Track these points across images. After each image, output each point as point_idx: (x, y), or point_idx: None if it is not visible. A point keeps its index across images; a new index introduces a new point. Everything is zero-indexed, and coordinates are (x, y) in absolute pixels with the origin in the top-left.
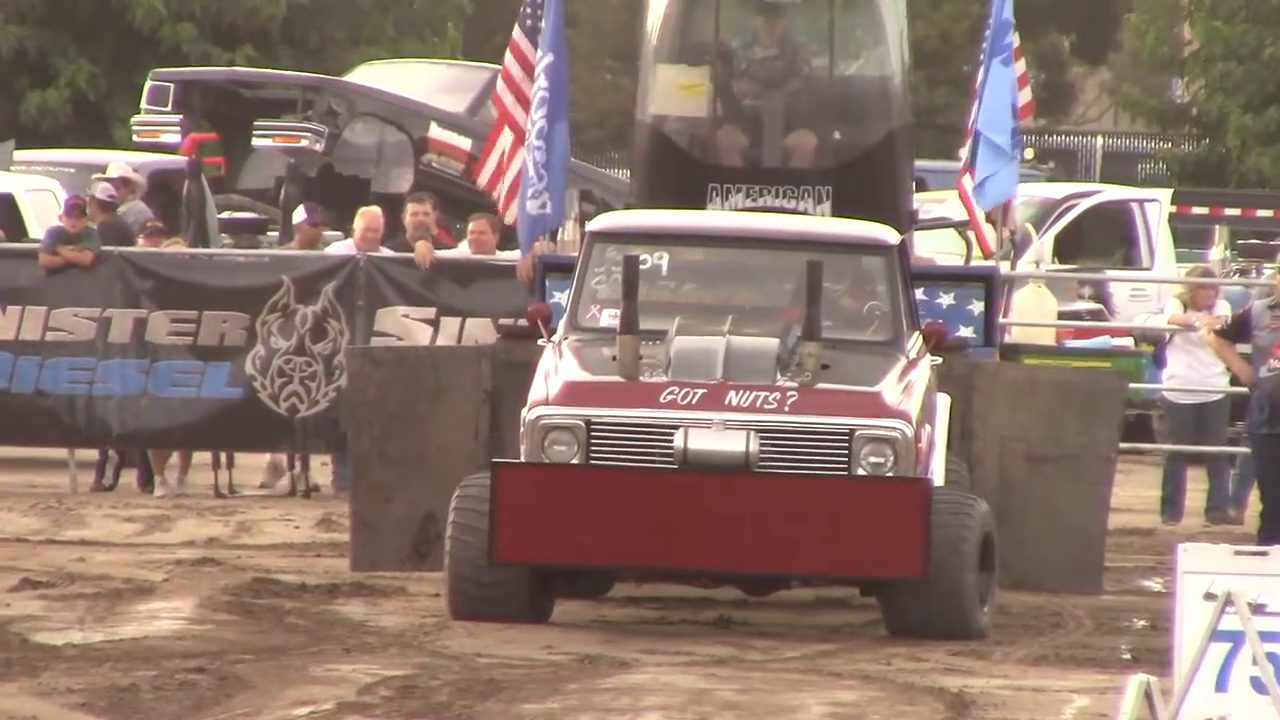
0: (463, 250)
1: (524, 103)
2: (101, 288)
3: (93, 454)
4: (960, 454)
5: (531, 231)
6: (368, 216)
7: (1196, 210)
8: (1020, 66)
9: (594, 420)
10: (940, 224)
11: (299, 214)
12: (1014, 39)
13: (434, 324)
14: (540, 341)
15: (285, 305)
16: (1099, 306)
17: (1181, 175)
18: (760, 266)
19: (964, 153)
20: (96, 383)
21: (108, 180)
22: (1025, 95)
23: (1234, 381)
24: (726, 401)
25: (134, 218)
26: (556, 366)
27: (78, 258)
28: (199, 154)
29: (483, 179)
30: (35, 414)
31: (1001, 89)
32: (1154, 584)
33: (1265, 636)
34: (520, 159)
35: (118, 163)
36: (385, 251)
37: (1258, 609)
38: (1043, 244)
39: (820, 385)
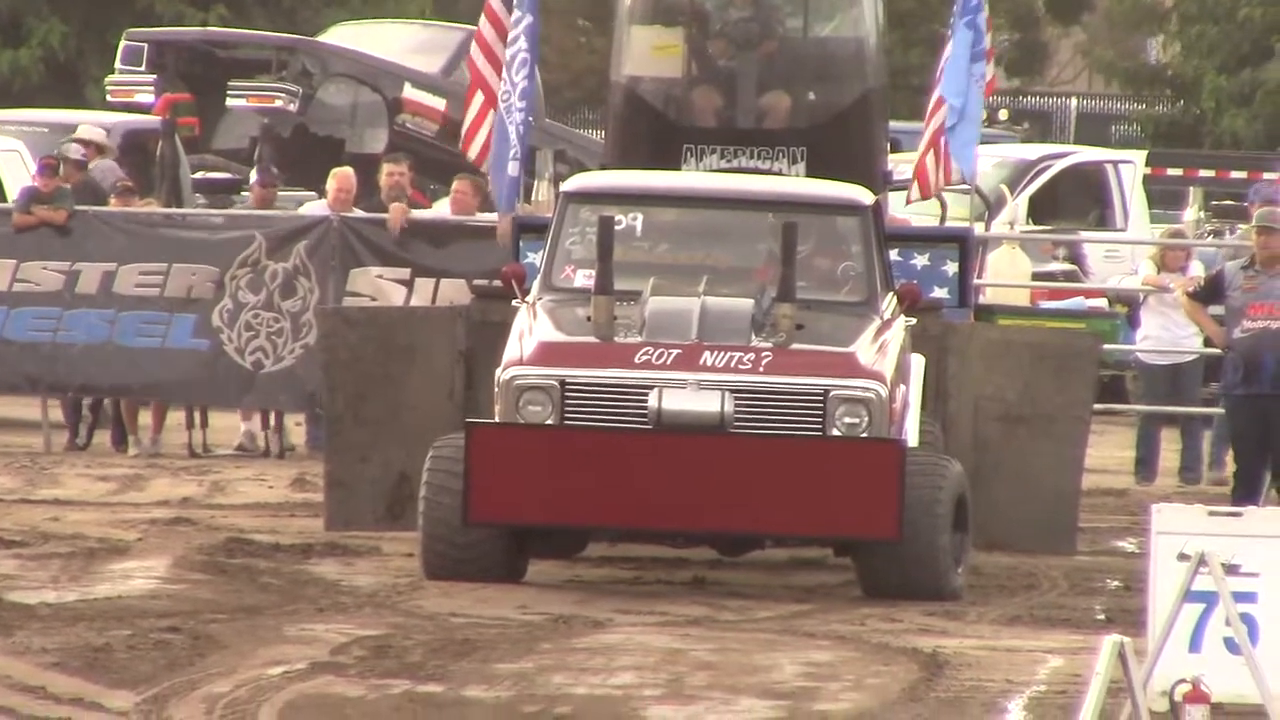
0: (442, 209)
1: (496, 66)
2: (74, 246)
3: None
4: (934, 415)
5: (512, 192)
6: (339, 177)
7: (1171, 172)
8: (988, 41)
9: (568, 380)
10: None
11: (254, 176)
12: (984, 4)
13: (408, 284)
14: (514, 302)
15: (256, 261)
16: (1073, 267)
17: (1155, 137)
18: (735, 227)
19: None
20: (61, 330)
21: (76, 141)
22: (989, 70)
23: (1208, 343)
24: (701, 362)
25: (102, 176)
26: (531, 327)
27: (51, 217)
28: (173, 114)
29: (472, 152)
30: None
31: (962, 51)
32: (1128, 544)
33: (1238, 597)
34: (490, 121)
35: (87, 125)
36: (358, 213)
37: (1231, 569)
38: (1017, 205)
39: (795, 346)
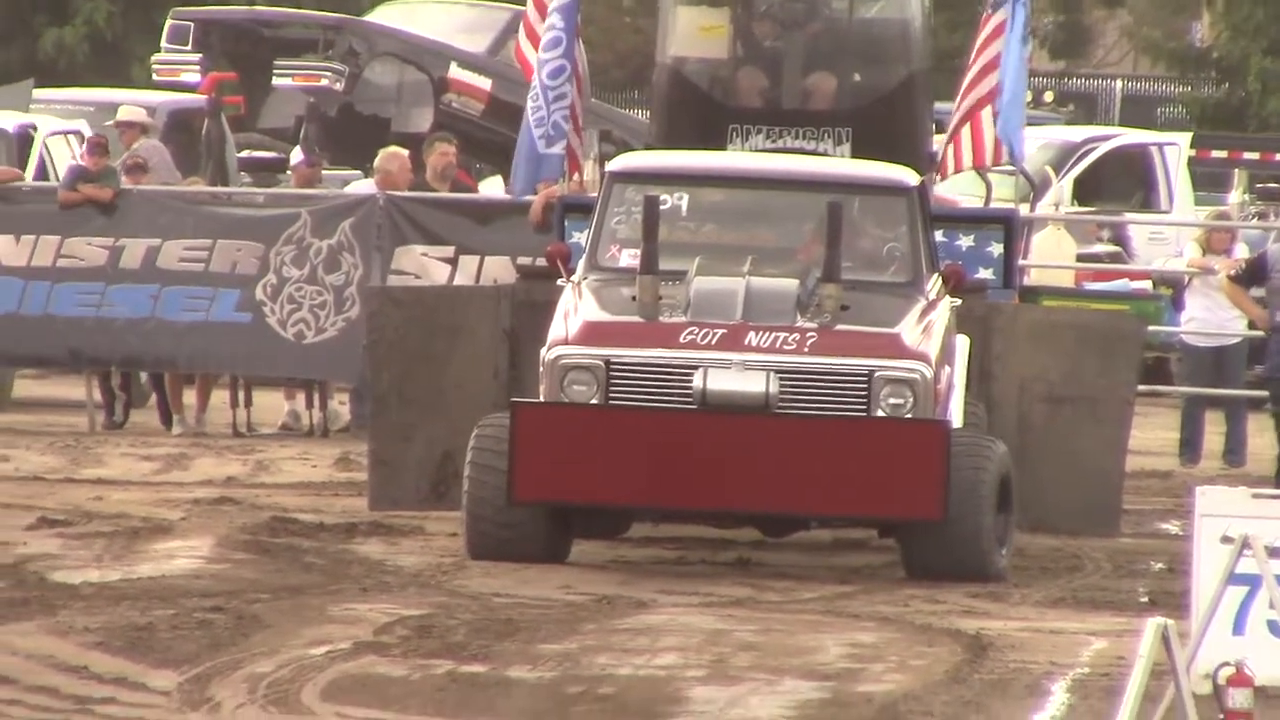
0: (494, 187)
1: None
2: (118, 223)
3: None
4: (979, 396)
5: (541, 171)
6: (399, 158)
7: (1215, 154)
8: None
9: (613, 360)
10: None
11: (297, 155)
12: None
13: (452, 262)
14: (559, 281)
15: (300, 238)
16: (1118, 249)
17: (1201, 119)
18: (780, 207)
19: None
20: (104, 306)
21: (118, 124)
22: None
23: (1252, 325)
24: (746, 342)
25: (147, 156)
26: (576, 306)
27: (97, 194)
28: (218, 93)
29: None
30: (44, 336)
31: (1017, 32)
32: (1171, 527)
33: None
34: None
35: (129, 105)
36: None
37: (1275, 552)
38: (1062, 187)
39: (840, 326)
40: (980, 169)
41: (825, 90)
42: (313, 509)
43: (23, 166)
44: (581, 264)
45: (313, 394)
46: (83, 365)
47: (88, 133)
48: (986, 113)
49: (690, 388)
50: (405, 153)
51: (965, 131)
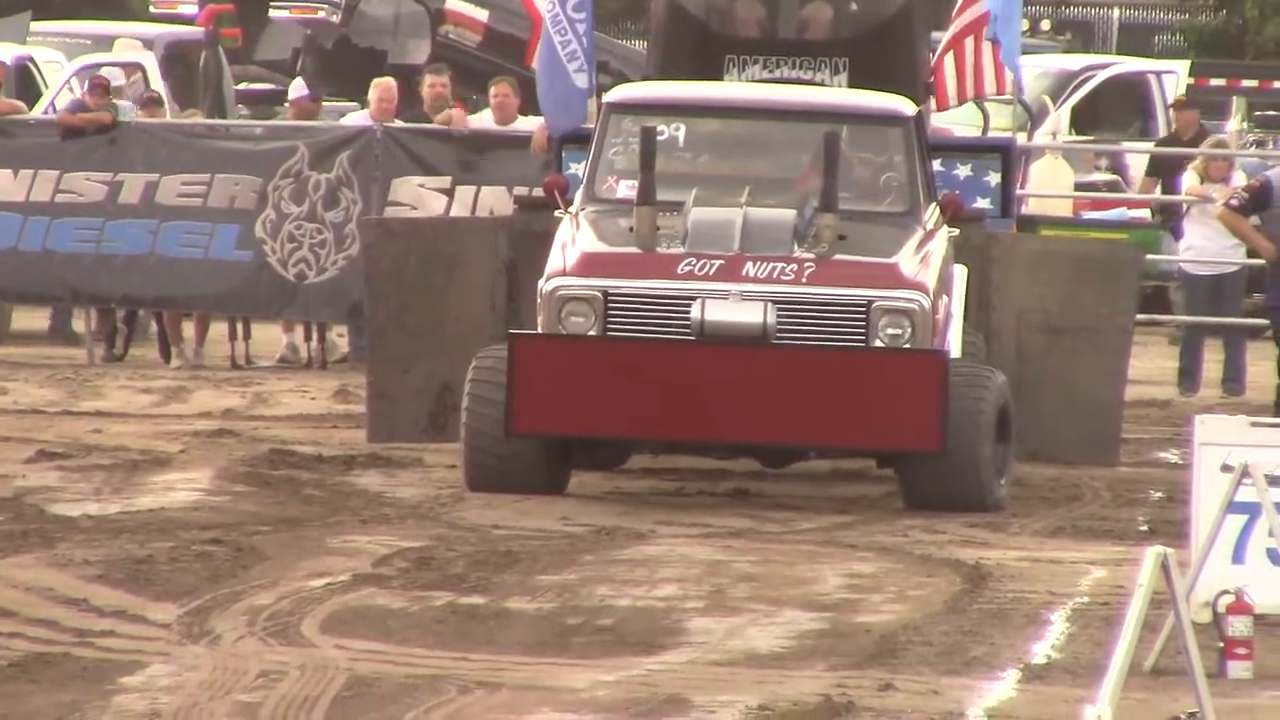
0: (484, 118)
1: None
2: (117, 157)
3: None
4: (977, 326)
5: (574, 105)
6: (381, 88)
7: (1213, 82)
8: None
9: (611, 291)
10: None
11: (296, 88)
12: None
13: (449, 193)
14: (557, 213)
15: (299, 172)
16: (1116, 178)
17: (1198, 46)
18: (777, 138)
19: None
20: (104, 242)
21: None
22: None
23: (1251, 253)
24: (744, 273)
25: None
26: (574, 237)
27: (98, 117)
28: (216, 25)
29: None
30: (43, 273)
31: None
32: (1171, 456)
33: None
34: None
35: (126, 39)
36: (398, 123)
37: (1274, 480)
38: (1059, 115)
39: (837, 256)
40: (979, 98)
41: (822, 19)
42: (311, 441)
43: (30, 100)
44: (579, 195)
45: (311, 327)
46: (83, 303)
47: (68, 65)
48: (985, 42)
49: (688, 318)
50: (389, 81)
51: (953, 60)
